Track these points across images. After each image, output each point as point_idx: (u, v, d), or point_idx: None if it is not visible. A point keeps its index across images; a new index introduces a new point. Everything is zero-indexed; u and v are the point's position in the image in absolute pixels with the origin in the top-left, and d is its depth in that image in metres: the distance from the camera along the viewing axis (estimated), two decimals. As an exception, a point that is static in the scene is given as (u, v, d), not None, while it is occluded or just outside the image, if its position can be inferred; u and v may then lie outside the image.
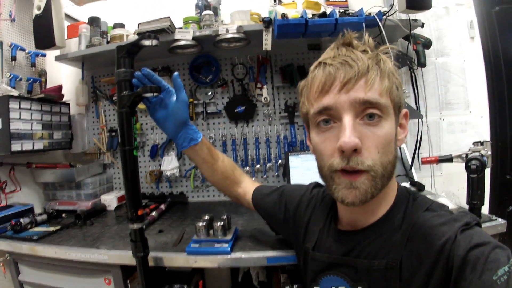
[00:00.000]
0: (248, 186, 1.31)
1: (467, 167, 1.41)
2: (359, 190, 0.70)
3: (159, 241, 1.48)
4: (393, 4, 1.85)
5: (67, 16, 2.23)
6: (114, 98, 2.37)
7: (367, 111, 0.70)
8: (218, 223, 1.33)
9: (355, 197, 0.71)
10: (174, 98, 1.17)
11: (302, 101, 0.83)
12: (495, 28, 2.41)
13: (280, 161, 2.26)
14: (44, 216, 1.86)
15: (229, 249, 1.27)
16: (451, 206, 1.49)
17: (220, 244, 1.30)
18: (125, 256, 1.35)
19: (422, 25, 2.02)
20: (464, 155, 1.52)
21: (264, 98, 2.25)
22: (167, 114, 1.18)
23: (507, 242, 0.63)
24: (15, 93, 1.89)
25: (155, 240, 1.49)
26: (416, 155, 2.10)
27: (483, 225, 1.35)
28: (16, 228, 1.66)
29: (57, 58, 2.17)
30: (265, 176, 2.28)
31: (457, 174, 2.17)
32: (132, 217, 1.18)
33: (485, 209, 1.54)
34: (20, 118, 1.86)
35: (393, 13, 1.86)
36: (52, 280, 1.58)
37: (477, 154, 1.43)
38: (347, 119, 0.69)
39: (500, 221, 1.40)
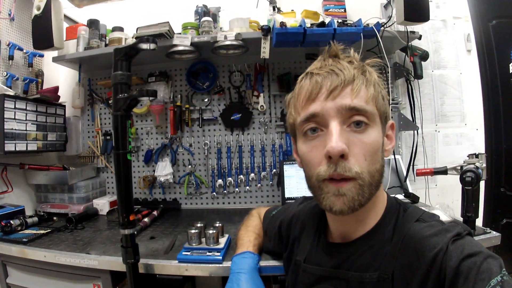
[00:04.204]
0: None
1: (462, 179, 1.41)
2: (347, 197, 0.70)
3: (150, 248, 1.46)
4: (391, 16, 1.86)
5: (66, 17, 2.23)
6: (110, 101, 2.35)
7: (354, 118, 0.71)
8: (211, 231, 1.32)
9: (343, 204, 0.70)
10: None
11: (289, 111, 0.84)
12: (491, 41, 2.44)
13: (274, 170, 2.26)
14: (35, 219, 1.84)
15: (221, 257, 1.26)
16: (445, 218, 1.49)
17: (212, 252, 1.29)
18: (115, 262, 1.33)
19: (420, 37, 2.04)
20: (459, 167, 1.53)
21: (261, 106, 2.24)
22: None
23: (502, 255, 0.62)
24: (10, 92, 1.88)
25: (146, 246, 1.47)
26: (411, 167, 2.11)
27: (477, 238, 1.35)
28: (6, 230, 1.65)
29: (55, 59, 2.16)
30: (259, 185, 2.27)
31: (451, 187, 2.19)
32: (123, 222, 1.17)
33: (479, 222, 1.53)
34: (14, 118, 1.86)
35: (391, 25, 1.88)
36: (41, 284, 1.56)
37: (472, 166, 1.44)
38: (334, 125, 0.70)
39: (494, 233, 1.40)
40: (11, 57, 1.97)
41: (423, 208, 0.82)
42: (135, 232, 1.22)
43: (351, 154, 0.69)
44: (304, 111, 0.75)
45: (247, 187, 2.28)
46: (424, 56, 2.20)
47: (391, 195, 0.85)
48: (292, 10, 2.10)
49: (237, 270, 1.05)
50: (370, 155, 0.71)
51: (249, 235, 1.23)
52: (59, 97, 2.21)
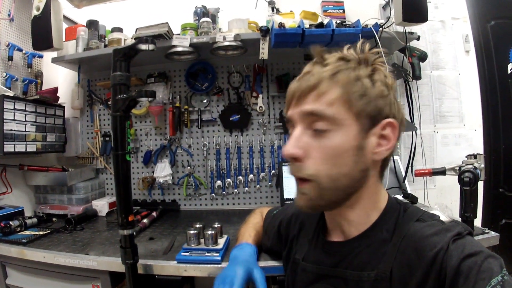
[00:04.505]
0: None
1: (460, 180, 1.41)
2: (306, 196, 0.75)
3: (149, 249, 1.46)
4: (389, 17, 1.87)
5: (66, 18, 2.23)
6: (110, 102, 2.36)
7: (315, 123, 0.73)
8: (209, 232, 1.32)
9: (303, 201, 0.76)
10: None
11: None
12: (490, 42, 2.44)
13: (273, 171, 2.26)
14: (34, 220, 1.84)
15: (219, 258, 1.27)
16: (444, 218, 1.49)
17: (211, 253, 1.29)
18: (115, 263, 1.33)
19: (418, 38, 2.04)
20: (457, 168, 1.53)
21: (259, 107, 2.25)
22: None
23: (501, 255, 0.62)
24: (10, 93, 1.88)
25: (145, 247, 1.48)
26: (410, 167, 2.11)
27: (476, 238, 1.35)
28: (5, 231, 1.65)
29: (54, 60, 2.16)
30: (258, 186, 2.28)
31: (450, 187, 2.19)
32: (122, 222, 1.17)
33: (478, 222, 1.53)
34: (14, 119, 1.86)
35: (389, 26, 1.88)
36: (40, 285, 1.56)
37: (470, 166, 1.44)
38: (295, 130, 0.75)
39: (493, 233, 1.40)
40: (10, 58, 1.97)
41: (422, 208, 0.82)
42: (134, 233, 1.22)
43: (309, 157, 0.73)
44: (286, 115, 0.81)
45: (246, 188, 2.28)
46: (423, 57, 2.20)
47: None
48: (291, 11, 2.10)
49: (234, 256, 1.07)
50: (331, 159, 0.72)
51: (249, 231, 1.24)
52: (58, 98, 2.20)
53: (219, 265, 1.26)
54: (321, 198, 0.74)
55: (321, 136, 0.72)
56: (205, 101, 2.31)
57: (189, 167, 2.30)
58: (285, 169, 2.06)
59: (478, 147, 2.34)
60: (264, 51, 1.87)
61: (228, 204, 2.32)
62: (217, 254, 1.28)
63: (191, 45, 1.95)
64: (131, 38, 2.06)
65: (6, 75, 1.92)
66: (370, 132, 0.73)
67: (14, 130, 1.85)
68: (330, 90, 0.72)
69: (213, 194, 2.31)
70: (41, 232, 1.70)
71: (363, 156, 0.73)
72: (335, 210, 0.80)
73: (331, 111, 0.71)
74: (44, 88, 2.20)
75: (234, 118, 2.25)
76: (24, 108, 1.92)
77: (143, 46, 1.21)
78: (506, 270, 0.60)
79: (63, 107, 2.27)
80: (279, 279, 1.25)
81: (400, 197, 1.84)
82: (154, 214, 2.00)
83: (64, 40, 2.06)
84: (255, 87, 2.26)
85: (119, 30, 2.17)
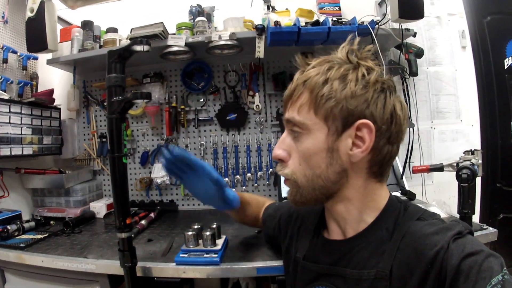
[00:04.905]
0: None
1: (458, 176, 1.41)
2: (290, 192, 0.83)
3: (147, 251, 1.46)
4: (386, 13, 1.86)
5: (60, 19, 2.21)
6: (106, 103, 2.35)
7: (292, 127, 0.78)
8: (208, 233, 1.31)
9: (288, 196, 0.84)
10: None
11: None
12: (486, 38, 2.44)
13: (271, 169, 2.26)
14: (32, 223, 1.82)
15: (218, 259, 1.26)
16: (442, 215, 1.49)
17: (210, 254, 1.28)
18: (113, 266, 1.32)
19: (414, 35, 2.03)
20: (455, 164, 1.53)
21: (256, 106, 2.24)
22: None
23: (498, 250, 0.63)
24: (5, 96, 1.87)
25: (143, 249, 1.47)
26: (407, 164, 2.11)
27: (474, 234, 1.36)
28: (3, 235, 1.63)
29: (49, 62, 2.14)
30: (256, 184, 2.28)
31: (448, 183, 2.19)
32: (120, 226, 1.17)
33: (475, 218, 1.53)
34: (9, 122, 1.84)
35: (385, 22, 1.87)
36: (39, 289, 1.55)
37: (468, 163, 1.44)
38: (283, 134, 0.82)
39: (491, 229, 1.41)
40: (5, 60, 1.96)
41: (420, 205, 0.82)
42: (132, 235, 1.22)
43: (291, 158, 0.80)
44: None
45: (244, 187, 2.28)
46: (419, 53, 2.20)
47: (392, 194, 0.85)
48: (287, 9, 2.09)
49: None
50: (304, 160, 0.77)
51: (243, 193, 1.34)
52: (54, 99, 2.20)
53: (218, 266, 1.25)
54: (300, 195, 0.79)
55: (296, 139, 0.78)
56: (201, 100, 2.31)
57: (186, 167, 2.29)
58: (283, 168, 2.05)
59: (475, 142, 2.34)
60: (260, 49, 1.86)
61: (226, 203, 2.30)
62: (216, 255, 1.27)
63: (186, 44, 1.94)
64: (126, 39, 2.05)
65: (1, 78, 1.91)
66: (345, 134, 0.73)
67: (10, 134, 1.84)
68: (301, 96, 0.76)
69: (211, 194, 2.29)
70: (39, 236, 1.69)
71: (338, 158, 0.74)
72: (327, 208, 0.85)
73: (300, 117, 0.76)
74: (39, 90, 2.19)
75: (231, 117, 2.25)
76: (19, 111, 1.91)
77: (138, 48, 1.21)
78: (505, 264, 0.60)
79: (59, 108, 2.26)
80: (278, 279, 1.26)
81: (398, 193, 1.84)
82: (152, 215, 1.99)
83: (58, 41, 2.04)
84: (252, 86, 2.25)
85: (114, 30, 2.15)
